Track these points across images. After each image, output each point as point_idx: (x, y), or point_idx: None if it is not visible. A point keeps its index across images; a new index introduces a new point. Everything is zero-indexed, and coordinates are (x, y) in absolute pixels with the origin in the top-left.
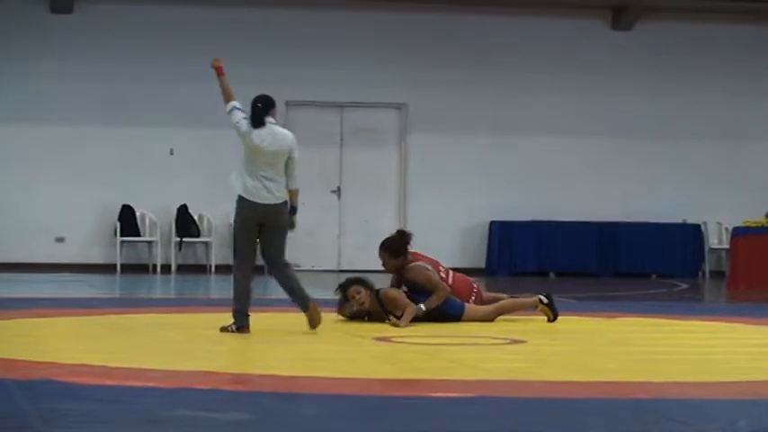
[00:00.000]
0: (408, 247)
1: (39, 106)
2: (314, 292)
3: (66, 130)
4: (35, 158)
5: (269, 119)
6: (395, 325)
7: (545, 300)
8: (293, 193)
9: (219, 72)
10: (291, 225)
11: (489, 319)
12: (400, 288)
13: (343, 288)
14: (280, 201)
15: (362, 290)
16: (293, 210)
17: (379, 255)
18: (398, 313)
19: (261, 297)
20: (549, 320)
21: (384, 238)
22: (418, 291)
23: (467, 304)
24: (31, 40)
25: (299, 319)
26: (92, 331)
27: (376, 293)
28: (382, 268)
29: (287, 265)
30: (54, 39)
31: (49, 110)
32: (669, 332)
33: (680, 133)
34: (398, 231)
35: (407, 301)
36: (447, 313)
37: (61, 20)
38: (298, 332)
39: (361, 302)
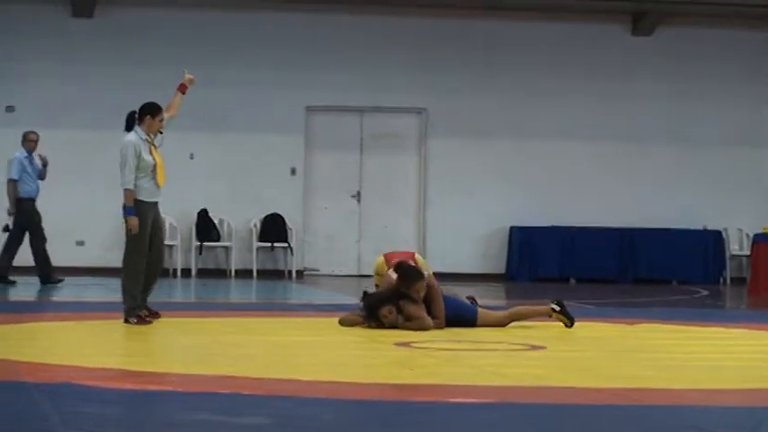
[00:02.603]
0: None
1: (59, 110)
2: (333, 296)
3: (87, 133)
4: (55, 162)
5: (136, 127)
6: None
7: (557, 307)
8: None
9: (184, 90)
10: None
11: (502, 324)
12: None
13: (374, 309)
14: None
15: (393, 310)
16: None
17: (416, 287)
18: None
19: (283, 302)
20: (566, 326)
21: (404, 269)
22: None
23: (479, 309)
24: (52, 44)
25: (320, 323)
26: (111, 335)
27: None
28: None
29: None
30: (75, 43)
31: (70, 114)
32: (690, 339)
33: (701, 138)
34: (400, 264)
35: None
36: (461, 317)
37: (82, 24)
38: (318, 337)
39: (392, 322)
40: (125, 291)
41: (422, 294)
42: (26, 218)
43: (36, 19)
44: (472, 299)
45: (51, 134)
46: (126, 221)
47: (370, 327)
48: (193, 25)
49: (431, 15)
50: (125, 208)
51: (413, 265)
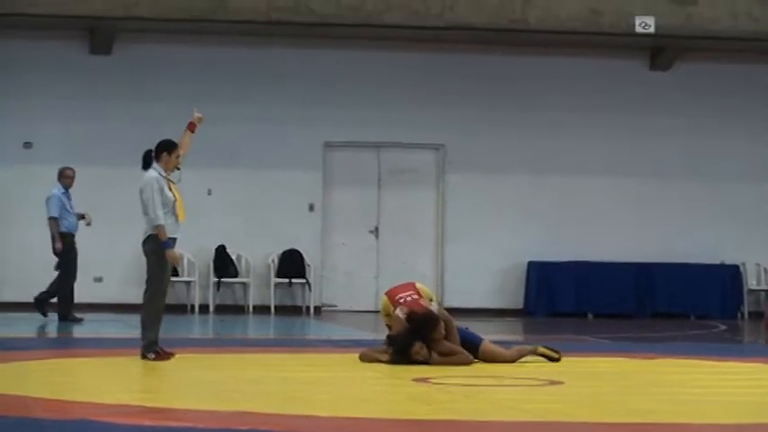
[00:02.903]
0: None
1: (77, 146)
2: (351, 332)
3: (105, 170)
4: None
5: (154, 164)
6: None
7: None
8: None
9: (193, 129)
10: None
11: (508, 361)
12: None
13: (406, 349)
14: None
15: (424, 345)
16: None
17: (436, 333)
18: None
19: (301, 338)
20: (555, 359)
21: (417, 320)
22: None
23: (485, 340)
24: (69, 81)
25: (338, 359)
26: (129, 371)
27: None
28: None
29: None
30: (93, 79)
31: (88, 150)
32: (708, 373)
33: (718, 173)
34: (411, 317)
35: (462, 349)
36: (467, 344)
37: (100, 61)
38: (337, 372)
39: (425, 357)
40: (145, 326)
41: (444, 333)
42: (62, 251)
43: (54, 55)
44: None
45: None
46: (147, 255)
47: (393, 363)
48: (212, 61)
49: (449, 51)
50: (150, 242)
51: (421, 311)
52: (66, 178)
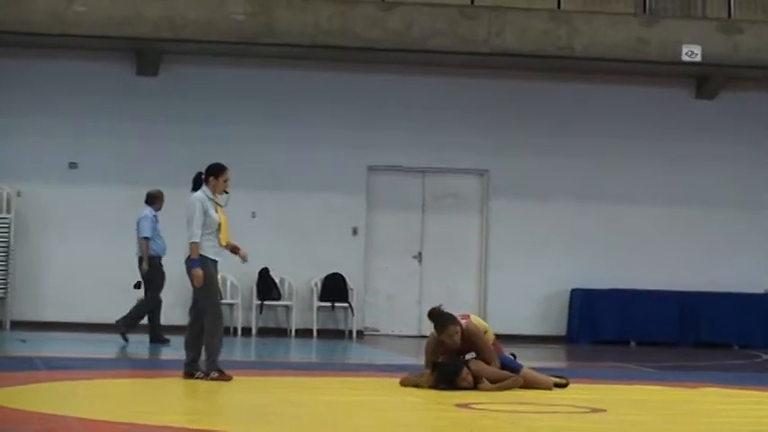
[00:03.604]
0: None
1: (122, 167)
2: (394, 357)
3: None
4: (119, 219)
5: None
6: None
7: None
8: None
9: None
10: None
11: (547, 387)
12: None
13: (454, 376)
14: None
15: (470, 373)
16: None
17: (451, 332)
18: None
19: (343, 361)
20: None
21: (436, 315)
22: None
23: (524, 367)
24: (118, 102)
25: (380, 383)
26: (173, 392)
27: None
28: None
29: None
30: (140, 100)
31: (135, 170)
32: (751, 403)
33: (762, 202)
34: (434, 309)
35: (504, 372)
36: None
37: (147, 82)
38: (379, 397)
39: (471, 384)
40: (208, 347)
41: (455, 339)
42: (149, 274)
43: (101, 76)
44: (513, 355)
45: (114, 191)
46: (189, 274)
47: (437, 388)
48: (257, 83)
49: (494, 77)
50: (189, 261)
51: (443, 310)
52: (159, 201)
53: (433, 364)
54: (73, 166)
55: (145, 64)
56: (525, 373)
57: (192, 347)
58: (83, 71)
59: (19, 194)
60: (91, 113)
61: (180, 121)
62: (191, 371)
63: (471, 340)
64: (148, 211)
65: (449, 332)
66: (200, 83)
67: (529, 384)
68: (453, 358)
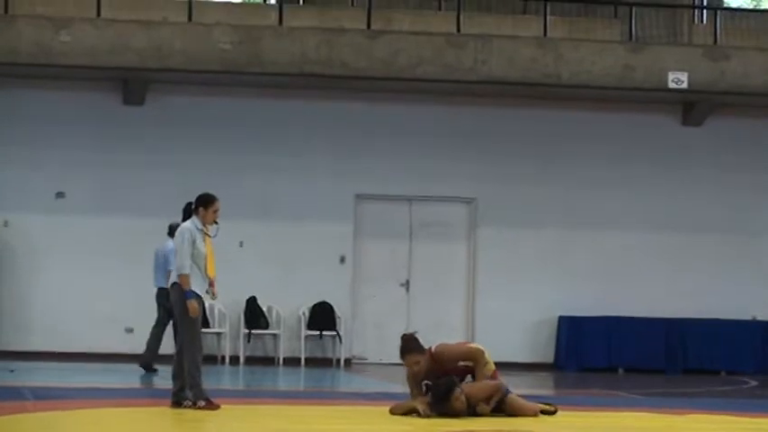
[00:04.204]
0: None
1: (109, 197)
2: (382, 385)
3: (137, 220)
4: (106, 249)
5: (193, 217)
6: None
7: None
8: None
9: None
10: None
11: (533, 414)
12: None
13: (447, 392)
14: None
15: (463, 393)
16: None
17: (411, 361)
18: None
19: (332, 390)
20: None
21: (406, 339)
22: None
23: (510, 393)
24: (104, 131)
25: (369, 412)
26: (158, 422)
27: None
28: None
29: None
30: (127, 130)
31: (122, 200)
32: (739, 430)
33: (749, 229)
34: (402, 336)
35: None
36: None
37: (134, 111)
38: (367, 426)
39: (463, 406)
40: (191, 376)
41: (415, 369)
42: (174, 304)
43: (87, 106)
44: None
45: (101, 221)
46: (175, 303)
47: (426, 416)
48: (244, 113)
49: (481, 105)
50: (177, 290)
51: (411, 338)
52: None
53: (426, 387)
54: (60, 195)
55: (131, 93)
56: (511, 399)
57: (180, 376)
58: (69, 101)
59: (6, 224)
60: (78, 143)
61: (167, 150)
62: (179, 400)
63: (443, 359)
64: (171, 243)
65: (407, 362)
66: (186, 112)
67: (515, 411)
68: (446, 378)
